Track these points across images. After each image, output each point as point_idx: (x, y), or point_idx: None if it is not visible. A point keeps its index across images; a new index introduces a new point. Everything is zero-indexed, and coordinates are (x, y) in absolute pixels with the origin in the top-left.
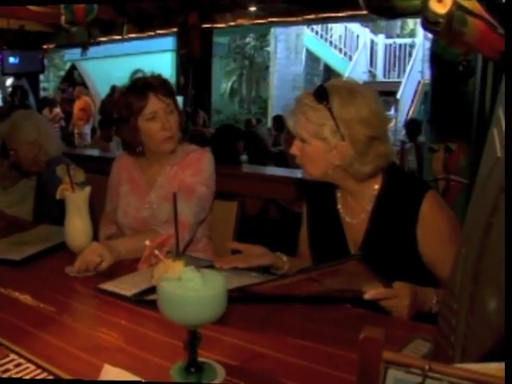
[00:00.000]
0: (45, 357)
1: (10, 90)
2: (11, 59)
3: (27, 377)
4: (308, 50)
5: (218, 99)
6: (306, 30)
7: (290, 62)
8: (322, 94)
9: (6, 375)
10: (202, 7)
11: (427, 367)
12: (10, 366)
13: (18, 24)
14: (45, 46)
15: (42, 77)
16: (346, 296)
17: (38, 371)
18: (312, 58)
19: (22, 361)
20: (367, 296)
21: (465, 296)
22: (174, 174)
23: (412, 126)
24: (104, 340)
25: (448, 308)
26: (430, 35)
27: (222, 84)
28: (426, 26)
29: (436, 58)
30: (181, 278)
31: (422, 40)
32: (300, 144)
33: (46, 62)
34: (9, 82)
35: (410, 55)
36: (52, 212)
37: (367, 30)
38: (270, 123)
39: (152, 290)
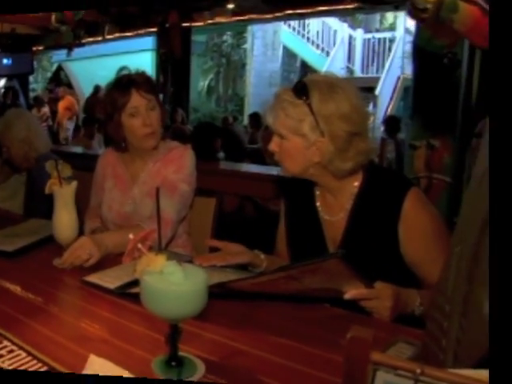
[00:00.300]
0: (35, 345)
1: (2, 90)
2: (5, 61)
3: (19, 363)
4: (285, 47)
5: (196, 97)
6: (283, 27)
7: (266, 58)
8: (301, 90)
9: None
10: (182, 6)
11: (419, 371)
12: (3, 352)
13: (10, 27)
14: (34, 48)
15: (31, 78)
16: (326, 295)
17: (29, 358)
18: (289, 55)
19: (14, 348)
20: (347, 296)
21: (458, 297)
22: (157, 170)
23: (391, 122)
24: (89, 331)
25: (439, 310)
26: (411, 28)
27: (200, 82)
28: (413, 13)
29: (419, 51)
30: (163, 271)
31: (402, 34)
32: (279, 140)
33: (35, 63)
34: (1, 83)
35: (390, 50)
36: (41, 206)
37: (345, 25)
38: (246, 121)
39: (135, 283)
